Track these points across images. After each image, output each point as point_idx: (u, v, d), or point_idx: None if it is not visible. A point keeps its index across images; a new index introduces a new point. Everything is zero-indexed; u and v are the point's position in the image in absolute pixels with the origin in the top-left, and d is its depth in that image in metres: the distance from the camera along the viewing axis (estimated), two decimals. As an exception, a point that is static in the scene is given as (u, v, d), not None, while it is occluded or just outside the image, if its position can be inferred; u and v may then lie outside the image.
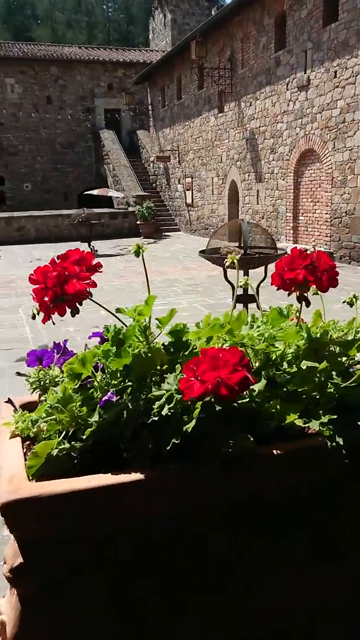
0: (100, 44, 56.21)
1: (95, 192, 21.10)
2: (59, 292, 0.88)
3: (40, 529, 0.81)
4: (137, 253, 1.03)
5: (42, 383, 1.04)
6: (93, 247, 16.05)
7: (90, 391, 0.98)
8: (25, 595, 0.83)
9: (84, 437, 0.87)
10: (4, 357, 5.94)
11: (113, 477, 0.84)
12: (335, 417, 0.88)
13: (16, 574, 0.82)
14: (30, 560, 0.81)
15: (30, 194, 27.41)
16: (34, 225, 19.99)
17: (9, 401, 1.07)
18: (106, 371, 0.98)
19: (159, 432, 0.85)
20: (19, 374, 1.15)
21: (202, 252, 7.16)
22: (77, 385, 0.95)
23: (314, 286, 0.97)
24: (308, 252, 0.96)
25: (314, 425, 0.90)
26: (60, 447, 0.89)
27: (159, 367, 0.93)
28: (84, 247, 16.20)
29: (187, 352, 0.93)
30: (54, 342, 1.15)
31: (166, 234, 21.38)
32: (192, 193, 20.56)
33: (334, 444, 0.90)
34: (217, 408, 0.84)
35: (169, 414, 0.84)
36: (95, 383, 0.98)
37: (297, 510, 0.96)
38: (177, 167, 22.07)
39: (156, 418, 0.85)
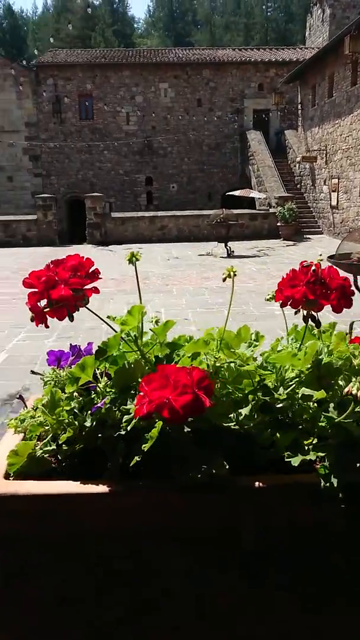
0: (257, 45, 56.30)
1: (237, 192, 21.22)
2: (45, 297, 0.89)
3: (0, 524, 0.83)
4: (130, 260, 1.00)
5: (55, 383, 1.06)
6: (229, 247, 16.14)
7: (92, 396, 0.98)
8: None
9: (60, 441, 0.88)
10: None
11: (75, 485, 0.83)
12: (324, 454, 0.78)
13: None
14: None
15: (176, 194, 28.35)
16: (176, 225, 20.64)
17: (20, 397, 1.11)
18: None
19: (129, 447, 0.83)
20: (32, 372, 1.19)
21: (330, 257, 6.82)
22: (75, 389, 0.95)
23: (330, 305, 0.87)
24: (314, 264, 0.86)
25: (295, 462, 0.80)
26: (45, 449, 0.90)
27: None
28: (220, 247, 16.41)
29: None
30: (70, 345, 1.17)
31: (307, 236, 20.80)
32: (338, 195, 19.74)
33: (327, 484, 0.79)
34: (186, 429, 0.79)
35: (139, 428, 0.80)
36: (98, 389, 0.98)
37: (277, 558, 0.86)
38: (323, 167, 21.35)
39: (122, 432, 0.83)
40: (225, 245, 16.22)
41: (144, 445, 0.78)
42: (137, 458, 0.80)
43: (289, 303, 0.89)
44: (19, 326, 7.56)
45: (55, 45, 56.18)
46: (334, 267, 0.84)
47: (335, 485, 0.79)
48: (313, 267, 0.88)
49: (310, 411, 0.86)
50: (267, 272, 12.51)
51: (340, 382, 0.89)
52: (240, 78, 27.87)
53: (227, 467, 0.81)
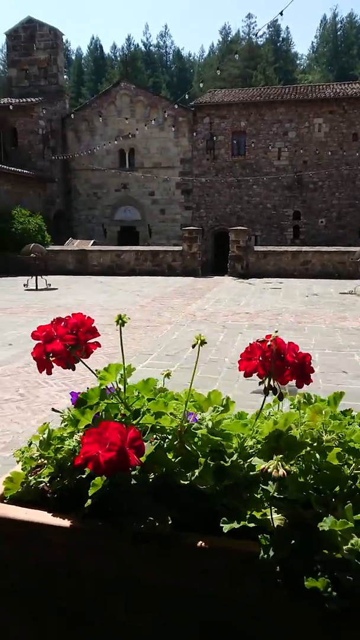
0: None
1: (388, 229, 20.26)
2: (45, 349, 1.03)
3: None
4: (117, 322, 1.09)
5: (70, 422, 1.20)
6: (373, 286, 15.45)
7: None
8: None
9: (44, 476, 1.00)
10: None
11: (41, 515, 0.94)
12: (253, 525, 0.79)
13: None
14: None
15: (324, 229, 27.82)
16: (320, 260, 20.22)
17: (53, 409, 1.25)
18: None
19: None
20: (53, 409, 1.33)
21: None
22: (73, 430, 1.08)
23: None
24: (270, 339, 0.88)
25: (225, 529, 0.83)
26: (37, 480, 1.03)
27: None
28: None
29: (135, 421, 0.97)
30: (71, 392, 1.29)
31: None
32: None
33: (264, 555, 0.81)
34: (133, 482, 0.86)
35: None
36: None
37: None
38: None
39: (84, 476, 0.92)
40: (369, 284, 15.55)
41: (90, 490, 0.88)
42: (89, 501, 0.90)
43: (251, 374, 0.93)
44: (146, 353, 7.93)
45: (217, 85, 58.89)
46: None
47: (271, 557, 0.81)
48: (269, 343, 0.91)
49: (256, 481, 0.88)
50: None
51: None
52: None
53: (170, 522, 0.86)
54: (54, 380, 6.51)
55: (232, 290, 16.49)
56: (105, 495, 0.90)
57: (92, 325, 1.09)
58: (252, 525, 0.84)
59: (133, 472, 0.91)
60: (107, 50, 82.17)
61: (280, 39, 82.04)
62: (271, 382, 0.95)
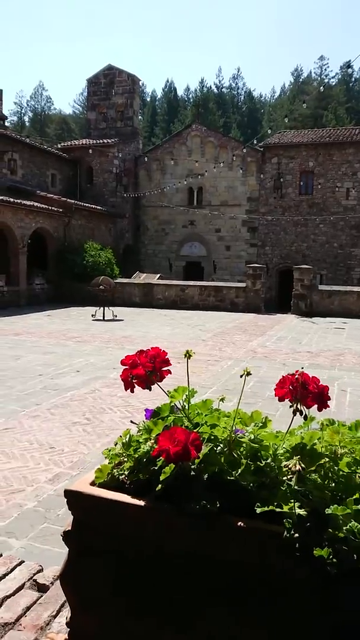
0: None
1: None
2: (131, 373, 1.37)
3: (78, 513, 1.30)
4: (185, 355, 1.41)
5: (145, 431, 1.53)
6: None
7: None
8: (69, 551, 1.33)
9: (125, 469, 1.33)
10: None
11: (122, 496, 1.27)
12: (279, 510, 1.08)
13: (65, 537, 1.33)
14: (74, 531, 1.32)
15: None
16: (386, 301, 19.94)
17: (132, 422, 1.59)
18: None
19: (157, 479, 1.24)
20: (131, 422, 1.66)
21: None
22: (147, 437, 1.41)
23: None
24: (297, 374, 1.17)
25: (258, 510, 1.11)
26: (119, 472, 1.37)
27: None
28: None
29: (195, 429, 1.28)
30: (146, 409, 1.62)
31: None
32: None
33: (287, 535, 1.09)
34: (191, 473, 1.16)
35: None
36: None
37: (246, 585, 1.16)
38: None
39: (156, 468, 1.24)
40: None
41: (161, 476, 1.20)
42: (159, 486, 1.22)
43: (283, 399, 1.23)
44: (207, 386, 8.21)
45: (287, 125, 59.66)
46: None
47: (293, 536, 1.09)
48: (297, 375, 1.21)
49: (285, 479, 1.17)
50: None
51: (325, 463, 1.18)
52: None
53: (219, 505, 1.17)
54: (118, 407, 6.91)
55: (295, 328, 16.56)
56: (171, 485, 1.21)
57: (166, 357, 1.42)
58: (279, 510, 1.13)
59: (192, 466, 1.22)
60: (180, 92, 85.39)
61: (353, 79, 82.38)
62: (298, 406, 1.24)
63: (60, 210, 23.17)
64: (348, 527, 1.06)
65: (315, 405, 1.23)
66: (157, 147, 32.75)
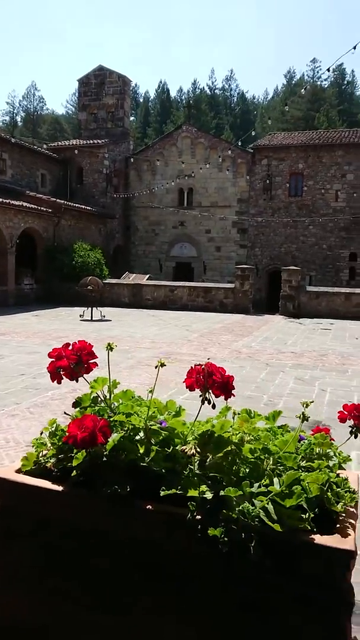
0: None
1: None
2: (55, 365, 1.43)
3: (3, 498, 1.37)
4: (107, 348, 1.47)
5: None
6: None
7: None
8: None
9: (48, 456, 1.39)
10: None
11: (43, 482, 1.33)
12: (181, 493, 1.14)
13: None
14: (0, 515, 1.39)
15: (383, 270, 27.59)
16: (373, 303, 20.09)
17: (65, 413, 1.65)
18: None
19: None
20: (65, 413, 1.72)
21: None
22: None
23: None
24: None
25: (162, 494, 1.18)
26: (44, 460, 1.43)
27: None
28: None
29: (110, 419, 1.34)
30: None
31: None
32: None
33: (190, 517, 1.16)
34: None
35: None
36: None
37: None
38: None
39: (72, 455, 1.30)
40: None
41: (73, 462, 1.26)
42: (74, 472, 1.28)
43: (192, 388, 1.29)
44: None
45: (279, 127, 59.81)
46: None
47: (194, 518, 1.16)
48: (203, 366, 1.27)
49: (189, 465, 1.24)
50: None
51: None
52: None
53: (129, 490, 1.23)
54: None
55: (281, 329, 16.65)
56: (87, 471, 1.27)
57: (92, 350, 1.48)
58: (181, 493, 1.19)
59: (105, 452, 1.28)
60: (173, 93, 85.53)
61: (345, 82, 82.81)
62: (206, 395, 1.30)
63: (50, 210, 23.18)
64: (240, 507, 1.12)
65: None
66: (148, 148, 32.82)
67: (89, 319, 17.17)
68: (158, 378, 1.59)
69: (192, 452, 1.19)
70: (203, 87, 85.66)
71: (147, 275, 25.52)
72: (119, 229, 31.23)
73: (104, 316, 17.56)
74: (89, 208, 27.18)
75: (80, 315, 17.49)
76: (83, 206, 26.73)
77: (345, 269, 28.34)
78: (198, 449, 1.19)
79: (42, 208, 22.65)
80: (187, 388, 1.32)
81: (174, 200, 30.90)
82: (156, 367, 1.41)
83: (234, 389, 1.30)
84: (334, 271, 28.40)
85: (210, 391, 1.28)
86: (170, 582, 1.23)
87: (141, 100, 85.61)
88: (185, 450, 1.20)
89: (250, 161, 29.47)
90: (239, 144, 28.82)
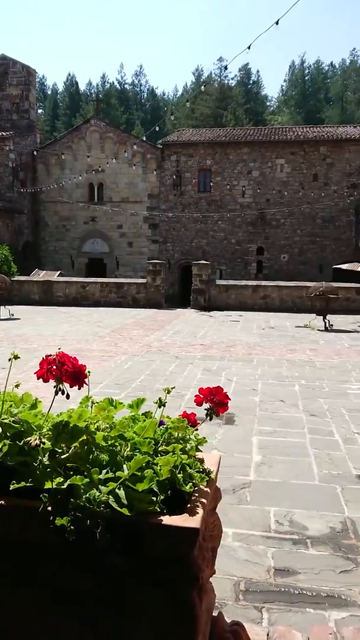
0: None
1: (344, 266, 21.15)
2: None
3: None
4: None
5: None
6: (328, 321, 16.00)
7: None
8: None
9: None
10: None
11: None
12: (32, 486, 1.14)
13: None
14: None
15: (286, 265, 28.77)
16: (279, 295, 20.91)
17: None
18: None
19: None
20: None
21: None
22: None
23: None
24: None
25: (12, 487, 1.18)
26: None
27: None
28: (319, 319, 16.31)
29: None
30: None
31: None
32: None
33: (42, 508, 1.16)
34: None
35: None
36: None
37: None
38: None
39: None
40: (324, 318, 16.11)
41: None
42: None
43: (44, 378, 1.29)
44: (96, 382, 8.17)
45: (189, 123, 60.46)
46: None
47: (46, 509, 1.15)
48: (54, 357, 1.27)
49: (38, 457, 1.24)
50: (359, 350, 12.22)
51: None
52: (358, 154, 28.22)
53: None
54: None
55: (192, 322, 16.92)
56: None
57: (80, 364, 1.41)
58: (32, 485, 1.19)
59: None
60: (82, 86, 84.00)
61: (251, 81, 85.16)
62: (60, 386, 1.30)
63: None
64: (88, 495, 1.13)
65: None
66: (56, 141, 32.09)
67: (-4, 317, 16.56)
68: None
69: (35, 443, 1.18)
70: (113, 82, 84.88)
71: (58, 272, 24.99)
72: (28, 225, 30.31)
73: (13, 315, 17.00)
74: (-6, 203, 26.16)
75: (-14, 315, 16.81)
76: (-12, 201, 25.67)
77: (253, 263, 29.27)
78: (43, 440, 1.19)
79: None
80: (39, 379, 1.31)
81: (84, 195, 30.45)
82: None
83: (86, 377, 1.30)
84: (242, 265, 29.25)
85: (63, 381, 1.28)
86: (30, 574, 1.22)
87: (49, 92, 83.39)
88: (30, 442, 1.19)
89: (160, 157, 29.64)
90: (144, 139, 28.86)
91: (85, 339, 12.78)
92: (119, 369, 9.43)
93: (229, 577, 3.10)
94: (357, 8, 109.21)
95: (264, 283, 21.85)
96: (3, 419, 1.27)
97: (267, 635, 1.65)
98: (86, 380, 1.32)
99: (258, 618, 2.74)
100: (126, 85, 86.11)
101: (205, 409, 1.46)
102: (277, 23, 7.67)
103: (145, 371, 9.22)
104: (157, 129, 22.45)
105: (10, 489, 1.19)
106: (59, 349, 1.39)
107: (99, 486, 1.16)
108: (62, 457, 1.21)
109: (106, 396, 3.99)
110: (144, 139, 29.36)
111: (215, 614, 1.46)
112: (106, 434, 1.27)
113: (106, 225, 30.37)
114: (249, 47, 8.34)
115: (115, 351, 11.26)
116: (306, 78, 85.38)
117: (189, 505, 1.23)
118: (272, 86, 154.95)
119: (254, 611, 2.81)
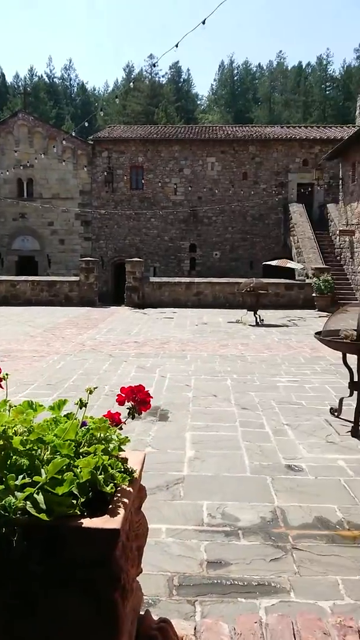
0: (315, 122, 58.43)
1: (274, 262, 21.66)
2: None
3: None
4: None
5: None
6: (259, 316, 16.37)
7: None
8: None
9: None
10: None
11: None
12: None
13: None
14: None
15: (218, 262, 29.20)
16: (212, 291, 21.18)
17: None
18: None
19: None
20: None
21: (317, 333, 6.95)
22: None
23: None
24: None
25: None
26: None
27: None
28: (250, 315, 16.67)
29: None
30: None
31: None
32: (374, 268, 19.85)
33: None
34: None
35: None
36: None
37: None
38: (361, 241, 21.62)
39: None
40: (255, 314, 16.46)
41: None
42: None
43: None
44: (28, 383, 7.98)
45: (121, 120, 60.02)
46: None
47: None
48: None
49: None
50: (287, 343, 12.57)
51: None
52: (285, 154, 29.06)
53: None
54: None
55: (126, 320, 16.84)
56: None
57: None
58: None
59: None
60: (9, 79, 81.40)
61: (182, 79, 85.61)
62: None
63: None
64: (3, 502, 1.11)
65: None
66: (-19, 135, 30.92)
67: None
68: None
69: None
70: (41, 75, 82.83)
71: (-14, 271, 24.14)
72: None
73: None
74: None
75: None
76: None
77: (186, 260, 29.50)
78: None
79: None
80: None
81: (13, 191, 29.57)
82: None
83: (1, 380, 1.27)
84: (176, 262, 29.42)
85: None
86: None
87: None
88: None
89: (91, 153, 29.25)
90: (74, 134, 28.41)
91: (15, 339, 12.43)
92: (50, 369, 9.23)
93: (163, 573, 3.11)
94: (284, 10, 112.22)
95: (197, 280, 22.07)
96: None
97: (195, 629, 1.67)
98: (2, 383, 1.28)
99: (191, 612, 2.77)
100: (55, 79, 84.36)
101: (128, 408, 1.45)
102: (203, 22, 7.75)
103: (78, 370, 9.08)
104: (87, 124, 22.12)
105: None
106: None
107: (15, 492, 1.13)
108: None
109: (37, 398, 3.91)
110: (74, 135, 28.87)
111: (155, 611, 1.46)
112: (24, 438, 1.24)
113: (37, 222, 29.65)
114: (176, 45, 8.38)
115: (48, 351, 11.01)
116: (235, 78, 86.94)
117: (110, 506, 1.23)
118: (203, 85, 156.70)
119: (187, 605, 2.83)
